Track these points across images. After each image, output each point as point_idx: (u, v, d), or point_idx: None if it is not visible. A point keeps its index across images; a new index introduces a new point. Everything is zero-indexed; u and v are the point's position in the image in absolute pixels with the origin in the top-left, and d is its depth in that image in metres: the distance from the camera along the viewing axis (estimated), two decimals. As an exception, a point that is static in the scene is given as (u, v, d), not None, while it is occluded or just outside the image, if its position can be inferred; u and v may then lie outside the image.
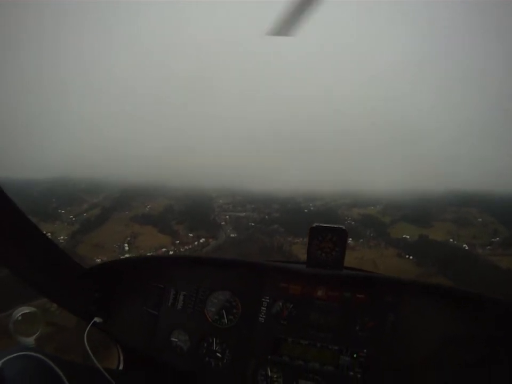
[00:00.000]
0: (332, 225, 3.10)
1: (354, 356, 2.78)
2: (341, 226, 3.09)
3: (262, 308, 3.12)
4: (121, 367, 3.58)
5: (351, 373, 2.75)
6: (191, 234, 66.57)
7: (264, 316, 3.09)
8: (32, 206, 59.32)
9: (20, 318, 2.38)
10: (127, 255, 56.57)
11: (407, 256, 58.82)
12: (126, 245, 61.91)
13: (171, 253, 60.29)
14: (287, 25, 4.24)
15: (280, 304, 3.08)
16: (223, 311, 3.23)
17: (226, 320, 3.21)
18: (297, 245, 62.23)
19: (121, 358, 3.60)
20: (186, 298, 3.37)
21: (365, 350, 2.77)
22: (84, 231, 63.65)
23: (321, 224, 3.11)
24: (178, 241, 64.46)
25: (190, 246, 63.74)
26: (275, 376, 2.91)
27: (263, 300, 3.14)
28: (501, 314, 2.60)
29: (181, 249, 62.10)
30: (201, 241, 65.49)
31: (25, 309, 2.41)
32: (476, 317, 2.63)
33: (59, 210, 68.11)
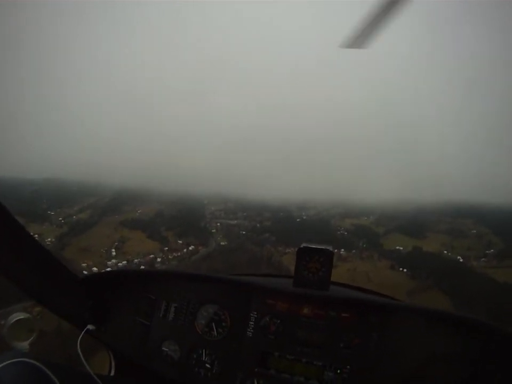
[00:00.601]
0: (319, 247, 3.06)
1: (338, 371, 2.81)
2: (328, 247, 3.06)
3: (250, 322, 3.10)
4: (112, 373, 3.49)
5: None
6: (180, 241, 64.16)
7: (252, 330, 3.08)
8: (22, 206, 57.77)
9: (14, 323, 2.39)
10: (113, 260, 56.16)
11: (400, 269, 56.80)
12: (114, 250, 59.58)
13: (159, 259, 58.72)
14: (362, 37, 4.40)
15: (268, 319, 3.07)
16: (213, 324, 3.21)
17: (215, 332, 3.18)
18: (288, 255, 60.07)
19: (113, 364, 3.50)
20: (178, 310, 3.32)
21: (348, 367, 2.79)
22: (72, 234, 61.64)
23: (308, 245, 3.10)
24: (167, 248, 62.10)
25: (179, 253, 61.45)
26: None
27: (251, 314, 3.11)
28: (484, 336, 2.64)
29: (169, 256, 60.05)
30: (190, 248, 63.07)
31: (19, 315, 2.42)
32: (458, 338, 2.68)
33: (49, 212, 66.10)
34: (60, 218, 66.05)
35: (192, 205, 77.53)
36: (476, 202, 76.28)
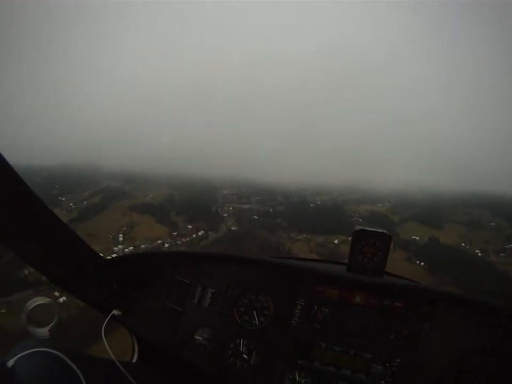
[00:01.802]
0: (376, 230, 2.88)
1: (387, 364, 2.69)
2: (384, 231, 2.88)
3: (295, 310, 2.92)
4: (134, 360, 3.36)
5: (382, 382, 2.68)
6: (190, 226, 60.93)
7: (297, 319, 2.90)
8: None
9: (33, 309, 2.29)
10: (120, 246, 53.33)
11: (417, 262, 52.16)
12: (121, 235, 56.63)
13: (167, 245, 55.76)
14: None
15: (315, 307, 2.90)
16: (254, 311, 3.02)
17: (257, 321, 3.00)
18: (300, 242, 57.73)
19: (136, 350, 3.37)
20: (215, 296, 3.12)
21: (398, 360, 2.68)
22: (81, 219, 58.42)
23: (365, 228, 2.88)
24: (175, 233, 58.94)
25: (188, 239, 58.10)
26: (303, 381, 2.81)
27: (297, 302, 2.93)
28: None
29: (178, 242, 56.78)
30: (199, 233, 59.78)
31: (39, 300, 2.32)
32: (510, 331, 2.56)
33: (59, 198, 63.33)
34: (71, 204, 63.61)
35: (205, 189, 74.86)
36: (495, 193, 72.46)
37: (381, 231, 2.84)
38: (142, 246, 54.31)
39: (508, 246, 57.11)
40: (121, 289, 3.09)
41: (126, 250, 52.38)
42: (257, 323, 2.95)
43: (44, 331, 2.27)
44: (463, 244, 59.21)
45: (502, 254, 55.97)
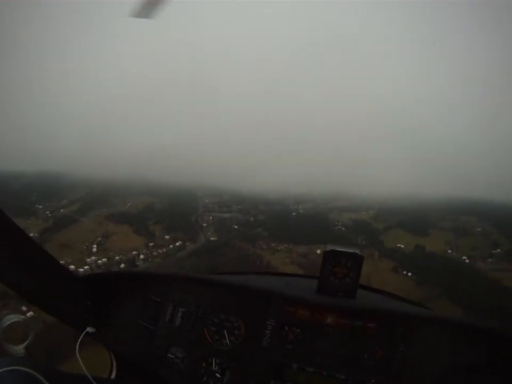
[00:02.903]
0: (348, 250, 2.70)
1: None
2: (356, 251, 2.71)
3: (266, 331, 2.79)
4: (113, 376, 3.19)
5: None
6: (167, 236, 56.85)
7: (268, 340, 2.78)
8: (10, 200, 53.00)
9: (8, 326, 2.22)
10: (93, 257, 49.77)
11: (404, 272, 48.27)
12: (95, 246, 52.47)
13: (142, 257, 51.89)
14: (148, 8, 3.90)
15: (286, 328, 2.75)
16: (225, 331, 2.87)
17: (227, 341, 2.84)
18: (281, 252, 54.23)
19: (114, 366, 3.18)
20: (185, 315, 2.97)
21: (373, 380, 2.57)
22: (55, 229, 54.85)
23: (336, 248, 2.69)
24: (152, 244, 54.83)
25: (164, 250, 54.04)
26: None
27: (268, 323, 2.80)
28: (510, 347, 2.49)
29: (154, 253, 52.88)
30: (177, 244, 55.74)
31: (14, 317, 2.27)
32: (485, 350, 2.51)
33: (37, 205, 60.10)
34: (47, 212, 60.00)
35: (186, 198, 71.25)
36: (481, 199, 70.21)
37: (353, 251, 2.60)
38: (116, 257, 50.28)
39: (495, 251, 54.28)
40: (95, 306, 2.85)
41: (99, 262, 48.86)
42: (228, 343, 2.77)
43: (19, 348, 2.19)
44: (449, 251, 56.00)
45: (490, 259, 53.09)
